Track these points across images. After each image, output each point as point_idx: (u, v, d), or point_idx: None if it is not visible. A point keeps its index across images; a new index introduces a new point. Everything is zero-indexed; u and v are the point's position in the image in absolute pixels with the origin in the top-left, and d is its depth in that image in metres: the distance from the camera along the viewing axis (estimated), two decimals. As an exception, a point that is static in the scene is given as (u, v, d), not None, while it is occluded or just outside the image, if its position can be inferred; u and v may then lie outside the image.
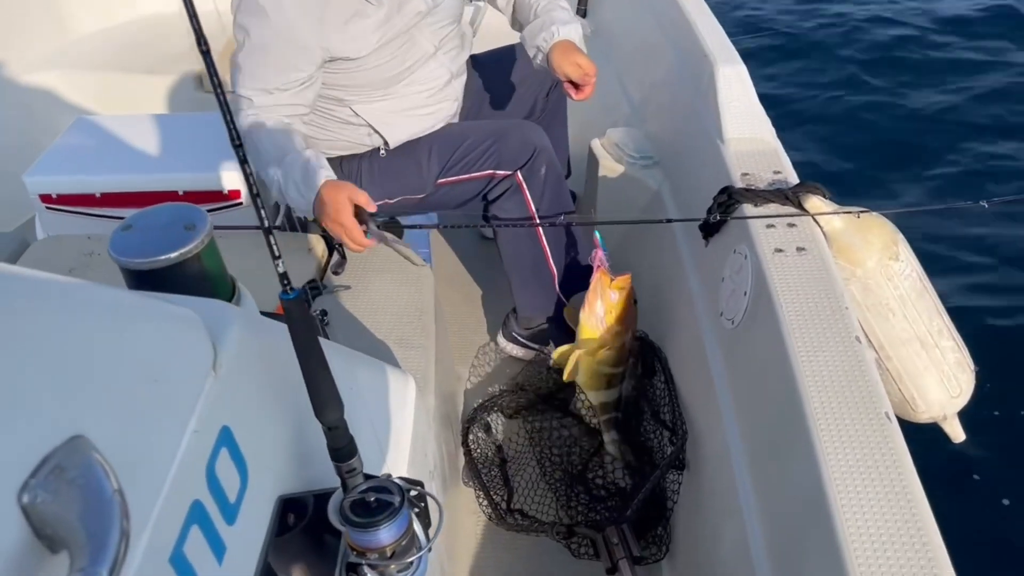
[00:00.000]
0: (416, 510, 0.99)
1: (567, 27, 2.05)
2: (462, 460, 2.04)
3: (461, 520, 1.95)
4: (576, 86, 2.03)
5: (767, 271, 1.61)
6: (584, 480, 1.93)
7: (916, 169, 3.83)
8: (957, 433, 1.90)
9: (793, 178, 1.87)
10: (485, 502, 1.90)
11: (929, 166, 3.82)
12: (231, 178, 2.25)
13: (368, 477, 0.90)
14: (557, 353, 2.01)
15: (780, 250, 1.66)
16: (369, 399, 1.29)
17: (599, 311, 1.92)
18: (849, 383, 1.38)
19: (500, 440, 2.06)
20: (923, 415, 1.84)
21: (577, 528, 1.73)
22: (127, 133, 2.47)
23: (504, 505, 1.90)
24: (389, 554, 0.80)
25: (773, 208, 1.76)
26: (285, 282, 0.75)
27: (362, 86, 2.04)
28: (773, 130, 2.04)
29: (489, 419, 2.09)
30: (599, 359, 1.96)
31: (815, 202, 1.72)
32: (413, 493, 0.97)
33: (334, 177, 1.81)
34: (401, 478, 0.94)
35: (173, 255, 0.91)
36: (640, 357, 2.04)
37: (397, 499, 0.81)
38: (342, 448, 0.87)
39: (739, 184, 1.85)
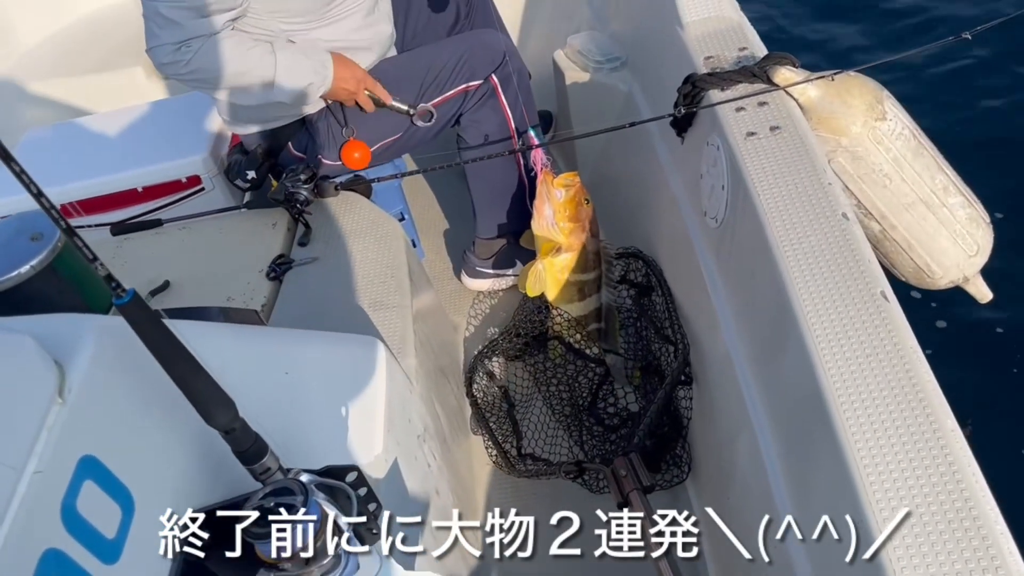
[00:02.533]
0: (363, 492, 0.91)
1: None
2: (469, 411, 1.97)
3: (476, 472, 1.89)
4: None
5: (740, 159, 1.48)
6: (595, 412, 1.84)
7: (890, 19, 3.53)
8: (983, 293, 1.76)
9: (761, 52, 1.71)
10: (495, 451, 1.83)
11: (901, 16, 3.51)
12: (188, 164, 2.17)
13: (287, 472, 0.82)
14: (521, 277, 1.92)
15: (752, 133, 1.51)
16: (321, 379, 1.20)
17: (548, 213, 1.83)
18: (839, 266, 1.25)
19: (505, 384, 1.98)
20: (942, 281, 1.70)
21: (586, 464, 1.65)
22: (77, 139, 2.40)
23: (515, 452, 1.83)
24: (305, 560, 0.72)
25: (741, 89, 1.60)
26: (113, 284, 0.65)
27: (295, 11, 1.89)
28: (735, 3, 1.86)
29: (491, 365, 2.00)
30: (561, 267, 1.87)
31: (784, 74, 1.57)
32: (351, 478, 0.89)
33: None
34: (327, 468, 0.86)
35: (24, 270, 0.81)
36: (607, 258, 1.96)
37: (299, 499, 0.72)
38: (247, 450, 0.78)
39: (703, 69, 1.70)
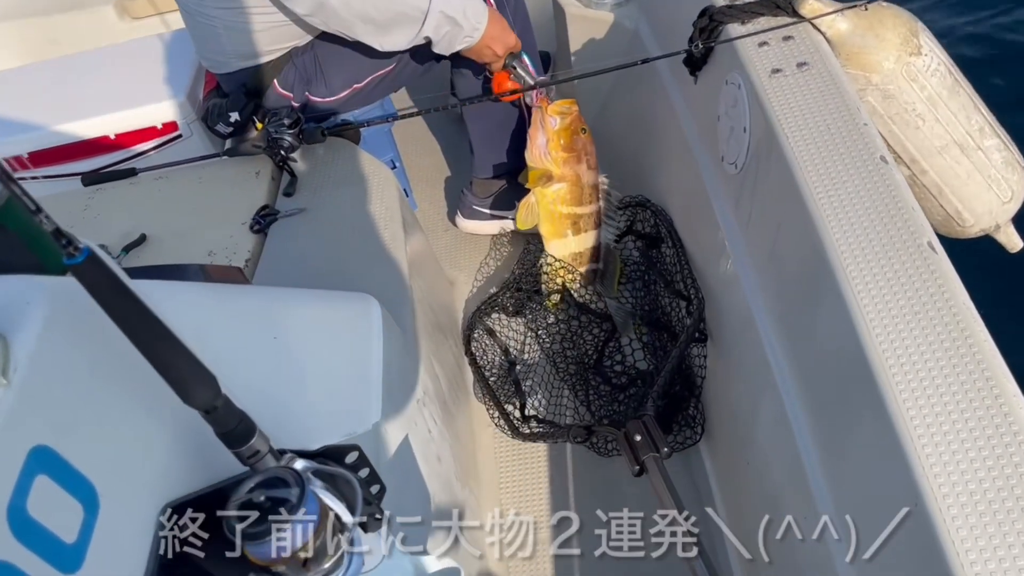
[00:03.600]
0: (364, 473, 0.81)
1: None
2: (469, 371, 1.87)
3: (479, 435, 1.79)
4: None
5: (765, 98, 1.35)
6: (601, 370, 1.74)
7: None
8: (1014, 242, 1.67)
9: (784, -18, 1.58)
10: (497, 414, 1.73)
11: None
12: (163, 110, 2.03)
13: (281, 455, 0.72)
14: (518, 214, 1.83)
15: (778, 70, 1.39)
16: (314, 342, 1.09)
17: (541, 141, 1.75)
18: (880, 215, 1.14)
19: (506, 342, 1.88)
20: (972, 229, 1.61)
21: (596, 427, 1.56)
22: (45, 82, 2.24)
23: (518, 414, 1.73)
24: (303, 560, 0.62)
25: (763, 22, 1.48)
26: (63, 241, 0.54)
27: None
28: (753, -72, 1.72)
29: (491, 322, 1.90)
30: (553, 198, 1.77)
31: (812, 4, 1.44)
32: (351, 458, 0.79)
33: None
34: (325, 449, 0.76)
35: (-42, 226, 0.69)
36: (607, 196, 1.86)
37: (295, 492, 0.62)
38: (232, 431, 0.67)
39: (720, 2, 1.56)
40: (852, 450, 1.08)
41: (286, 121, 1.74)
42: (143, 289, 0.65)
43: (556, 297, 1.86)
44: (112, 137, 2.04)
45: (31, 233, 0.74)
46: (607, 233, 1.85)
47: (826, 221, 1.16)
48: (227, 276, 1.13)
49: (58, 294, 0.64)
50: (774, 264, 1.35)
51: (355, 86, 1.88)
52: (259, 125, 1.85)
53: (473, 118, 2.03)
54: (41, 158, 2.05)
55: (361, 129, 1.93)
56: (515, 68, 1.80)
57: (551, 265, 1.84)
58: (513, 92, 1.82)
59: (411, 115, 1.90)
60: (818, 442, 1.18)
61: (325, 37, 1.81)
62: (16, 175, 2.06)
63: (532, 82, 1.80)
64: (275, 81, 1.85)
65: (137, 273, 1.09)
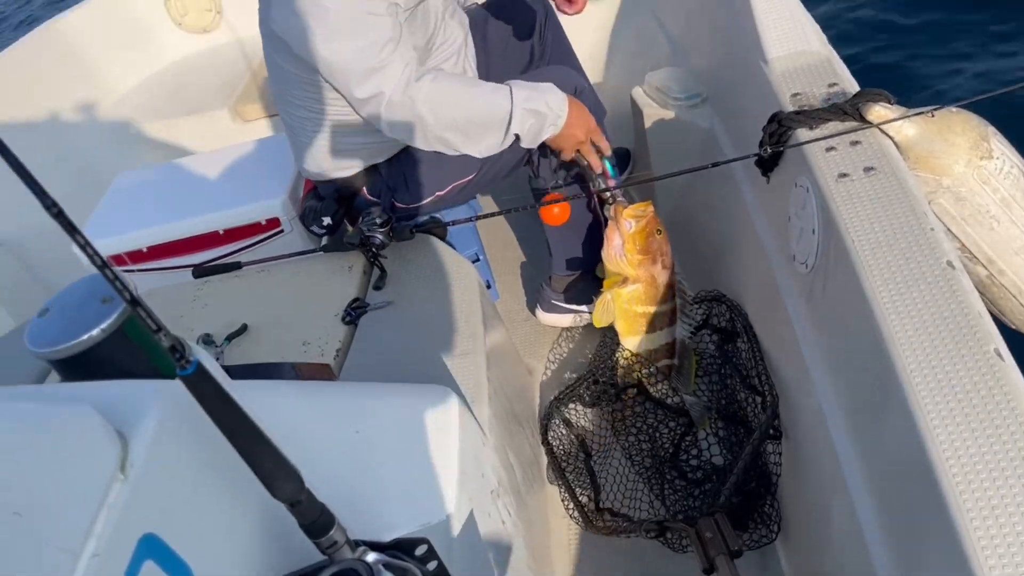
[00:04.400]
0: (432, 566, 0.86)
1: None
2: (544, 459, 1.91)
3: (553, 525, 1.82)
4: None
5: (832, 202, 1.39)
6: (677, 464, 1.76)
7: (993, 46, 3.31)
8: (1103, 342, 1.62)
9: (852, 88, 1.63)
10: (571, 504, 1.76)
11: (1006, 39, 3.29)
12: (268, 207, 2.20)
13: (356, 546, 0.78)
14: (595, 308, 1.89)
15: (845, 175, 1.43)
16: (393, 435, 1.17)
17: (617, 243, 1.81)
18: (946, 320, 1.15)
19: (583, 433, 1.91)
20: (1057, 329, 1.58)
21: (668, 523, 1.57)
22: (165, 182, 2.47)
23: (592, 505, 1.75)
24: (371, 647, 0.68)
25: (831, 127, 1.52)
26: (177, 355, 0.63)
27: None
28: (823, 36, 1.78)
29: (568, 412, 1.94)
30: (629, 297, 1.81)
31: (879, 111, 1.48)
32: (421, 551, 0.85)
33: None
34: (396, 541, 0.82)
35: (94, 334, 0.80)
36: (682, 294, 1.90)
37: (365, 584, 0.68)
38: (314, 523, 0.75)
39: (789, 107, 1.62)
40: (922, 564, 1.07)
41: (378, 220, 1.87)
42: (241, 392, 0.74)
43: (632, 391, 1.90)
44: (221, 232, 2.22)
45: (149, 343, 0.84)
46: (683, 329, 1.89)
47: (891, 326, 1.17)
48: (316, 374, 1.22)
49: (170, 398, 0.74)
50: (844, 366, 1.37)
51: (438, 194, 2.00)
52: (350, 229, 1.99)
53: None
54: (158, 251, 2.24)
55: (448, 226, 2.05)
56: (596, 181, 1.88)
57: (627, 359, 1.88)
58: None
59: (493, 215, 2.01)
60: (889, 551, 1.17)
61: (409, 150, 1.96)
62: (136, 267, 2.24)
63: (604, 183, 1.89)
64: (364, 189, 2.00)
65: (238, 371, 1.20)
